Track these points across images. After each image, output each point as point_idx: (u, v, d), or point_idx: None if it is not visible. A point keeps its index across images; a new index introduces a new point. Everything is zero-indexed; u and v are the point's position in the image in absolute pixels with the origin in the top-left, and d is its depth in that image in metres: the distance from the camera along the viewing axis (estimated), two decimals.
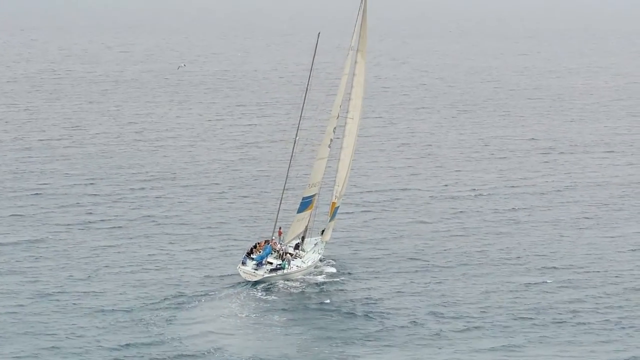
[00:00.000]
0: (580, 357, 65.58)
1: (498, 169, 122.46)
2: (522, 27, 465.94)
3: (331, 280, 78.41)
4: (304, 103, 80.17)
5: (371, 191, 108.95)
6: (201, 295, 73.37)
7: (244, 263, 77.54)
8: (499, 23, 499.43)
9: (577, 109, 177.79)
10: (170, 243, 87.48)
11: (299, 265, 78.93)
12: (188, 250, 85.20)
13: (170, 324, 67.80)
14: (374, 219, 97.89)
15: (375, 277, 79.48)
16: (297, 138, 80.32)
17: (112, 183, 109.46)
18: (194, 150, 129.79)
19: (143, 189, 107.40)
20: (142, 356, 63.05)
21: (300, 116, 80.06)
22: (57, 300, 71.88)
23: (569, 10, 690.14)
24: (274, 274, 76.92)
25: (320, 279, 78.60)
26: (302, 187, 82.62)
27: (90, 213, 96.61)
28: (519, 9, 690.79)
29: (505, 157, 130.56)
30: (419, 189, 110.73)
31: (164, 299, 72.30)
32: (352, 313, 71.35)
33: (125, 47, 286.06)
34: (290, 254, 79.60)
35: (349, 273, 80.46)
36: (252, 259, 77.85)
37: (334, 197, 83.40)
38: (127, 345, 64.14)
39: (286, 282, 77.06)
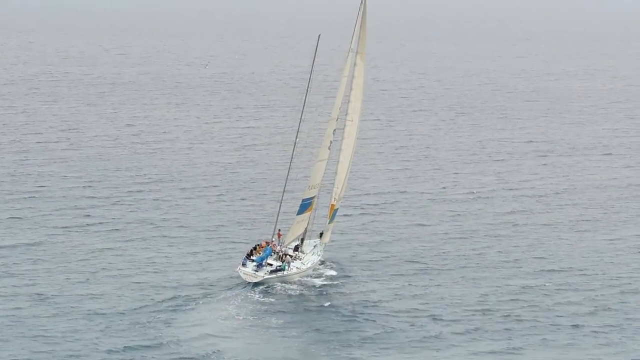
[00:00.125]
0: None
1: (496, 172, 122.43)
2: (520, 29, 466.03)
3: (329, 282, 78.31)
4: (304, 105, 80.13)
5: (369, 194, 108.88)
6: (199, 297, 73.25)
7: (244, 264, 77.52)
8: (497, 25, 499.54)
9: (575, 112, 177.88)
10: (168, 246, 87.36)
11: (298, 267, 78.91)
12: (186, 253, 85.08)
13: (169, 326, 67.67)
14: (372, 221, 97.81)
15: (373, 280, 79.38)
16: (297, 140, 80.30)
17: (109, 185, 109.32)
18: (191, 153, 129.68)
19: (141, 191, 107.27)
20: (141, 359, 62.93)
21: (301, 118, 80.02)
22: (55, 302, 71.73)
23: (566, 13, 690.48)
24: (274, 276, 76.89)
25: (318, 281, 78.51)
26: (301, 190, 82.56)
27: (88, 216, 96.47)
28: (517, 12, 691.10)
29: (503, 160, 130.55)
30: (417, 192, 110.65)
31: (162, 302, 72.17)
32: (351, 315, 71.24)
33: (123, 49, 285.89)
34: (290, 255, 79.56)
35: (348, 275, 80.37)
36: (252, 260, 77.81)
37: (332, 200, 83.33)
38: (125, 348, 64.01)
39: (284, 284, 76.97)
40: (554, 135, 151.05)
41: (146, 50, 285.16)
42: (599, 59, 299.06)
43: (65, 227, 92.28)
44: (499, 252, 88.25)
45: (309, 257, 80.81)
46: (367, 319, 70.67)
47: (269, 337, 67.14)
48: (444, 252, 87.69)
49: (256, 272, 76.72)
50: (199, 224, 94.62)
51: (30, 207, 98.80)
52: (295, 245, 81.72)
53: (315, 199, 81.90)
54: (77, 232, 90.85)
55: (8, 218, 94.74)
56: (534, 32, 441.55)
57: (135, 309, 70.72)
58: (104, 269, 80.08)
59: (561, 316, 72.13)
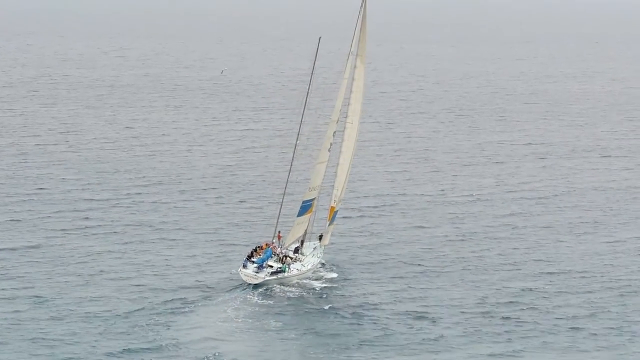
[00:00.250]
0: None
1: (495, 174, 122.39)
2: (519, 31, 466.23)
3: (329, 284, 78.24)
4: (304, 107, 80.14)
5: (368, 196, 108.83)
6: (198, 300, 73.16)
7: (244, 266, 77.53)
8: (496, 28, 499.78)
9: (574, 114, 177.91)
10: (167, 248, 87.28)
11: (299, 268, 78.95)
12: (185, 256, 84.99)
13: (168, 329, 67.58)
14: (372, 224, 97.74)
15: (372, 282, 79.30)
16: (297, 142, 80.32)
17: (108, 188, 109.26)
18: (190, 155, 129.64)
19: (140, 194, 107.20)
20: None
21: (301, 121, 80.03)
22: (54, 305, 71.63)
23: (565, 15, 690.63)
24: (275, 277, 76.92)
25: (317, 283, 78.43)
26: (301, 192, 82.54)
27: (87, 218, 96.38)
28: (516, 14, 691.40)
29: (502, 162, 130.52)
30: (416, 194, 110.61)
31: (161, 304, 72.07)
32: (350, 318, 71.16)
33: (121, 52, 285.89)
34: (290, 257, 79.58)
35: (347, 278, 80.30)
36: (253, 262, 77.81)
37: (332, 202, 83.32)
38: (124, 350, 63.91)
39: (284, 286, 76.90)
40: (553, 137, 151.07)
41: (145, 53, 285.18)
42: (598, 62, 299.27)
43: (64, 229, 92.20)
44: (498, 254, 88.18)
45: (309, 259, 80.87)
46: (366, 322, 70.59)
47: (268, 340, 67.07)
48: (443, 255, 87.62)
49: (257, 274, 76.75)
50: (198, 227, 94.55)
51: (29, 210, 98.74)
52: (295, 247, 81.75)
53: (315, 201, 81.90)
54: (76, 234, 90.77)
55: (7, 220, 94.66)
56: (533, 35, 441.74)
57: (134, 311, 70.62)
58: (102, 271, 79.99)
59: (561, 318, 72.06)
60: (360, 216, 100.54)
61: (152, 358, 63.22)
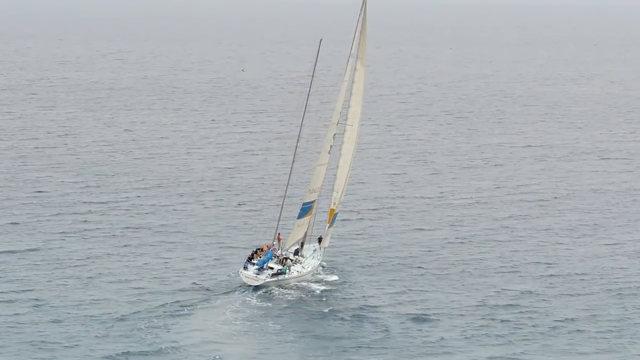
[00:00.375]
0: None
1: (494, 177, 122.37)
2: (518, 34, 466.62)
3: (328, 287, 78.16)
4: (304, 110, 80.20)
5: (367, 199, 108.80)
6: (197, 303, 73.10)
7: (245, 268, 77.58)
8: (494, 30, 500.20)
9: (573, 116, 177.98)
10: (167, 251, 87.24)
11: (299, 270, 79.00)
12: (184, 258, 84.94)
13: (167, 332, 67.51)
14: (371, 226, 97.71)
15: (371, 285, 79.23)
16: (298, 144, 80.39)
17: (107, 191, 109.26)
18: (189, 158, 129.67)
19: (139, 197, 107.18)
20: None
21: (302, 123, 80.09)
22: (53, 308, 71.55)
23: (564, 18, 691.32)
24: (275, 279, 76.98)
25: (316, 286, 78.37)
26: (301, 194, 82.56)
27: (86, 221, 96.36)
28: (514, 17, 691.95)
29: (501, 165, 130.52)
30: (415, 197, 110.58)
31: (160, 307, 71.99)
32: (349, 320, 71.08)
33: (120, 54, 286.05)
34: (290, 259, 79.65)
35: (346, 280, 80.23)
36: (254, 264, 77.86)
37: (332, 204, 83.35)
38: (124, 353, 63.82)
39: (283, 289, 76.86)
40: (552, 139, 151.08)
41: (143, 56, 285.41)
42: (597, 64, 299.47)
43: (63, 232, 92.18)
44: (498, 257, 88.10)
45: (309, 261, 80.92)
46: (365, 324, 70.51)
47: (267, 342, 67.00)
48: (442, 257, 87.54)
49: (257, 276, 76.83)
50: (197, 229, 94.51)
51: (27, 213, 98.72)
52: (295, 249, 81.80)
53: (315, 203, 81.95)
54: (75, 237, 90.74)
55: (6, 223, 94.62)
56: (531, 37, 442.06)
57: (133, 314, 70.55)
58: (101, 274, 79.94)
59: (560, 321, 71.97)
60: (360, 219, 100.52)
61: None
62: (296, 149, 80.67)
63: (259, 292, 75.59)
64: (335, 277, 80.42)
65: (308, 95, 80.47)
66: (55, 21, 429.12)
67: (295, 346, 66.57)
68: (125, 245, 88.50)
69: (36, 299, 73.29)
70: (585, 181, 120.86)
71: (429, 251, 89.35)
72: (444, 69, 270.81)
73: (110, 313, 70.70)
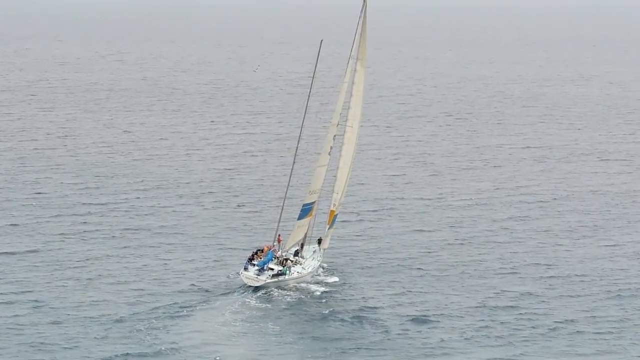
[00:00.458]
0: None
1: (493, 178, 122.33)
2: (517, 35, 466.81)
3: (327, 288, 78.13)
4: (305, 110, 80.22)
5: (367, 200, 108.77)
6: (197, 304, 73.07)
7: (246, 269, 77.66)
8: (493, 32, 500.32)
9: (572, 117, 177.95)
10: (166, 252, 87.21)
11: (299, 271, 79.08)
12: (183, 260, 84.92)
13: (166, 333, 67.48)
14: (370, 227, 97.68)
15: (371, 286, 79.20)
16: (298, 145, 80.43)
17: (107, 192, 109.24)
18: (188, 160, 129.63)
19: (138, 198, 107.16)
20: None
21: (302, 124, 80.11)
22: (52, 310, 71.53)
23: (563, 19, 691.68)
24: (276, 280, 77.05)
25: (316, 287, 78.35)
26: (300, 196, 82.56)
27: (85, 222, 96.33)
28: (513, 18, 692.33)
29: (500, 166, 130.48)
30: (415, 198, 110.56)
31: (160, 309, 71.97)
32: (348, 322, 71.04)
33: (119, 55, 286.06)
34: (291, 260, 79.73)
35: (346, 282, 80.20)
36: (254, 264, 77.91)
37: (332, 205, 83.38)
38: (123, 355, 63.80)
39: (282, 290, 76.85)
40: (551, 141, 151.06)
41: (143, 57, 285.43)
42: (596, 65, 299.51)
43: (63, 234, 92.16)
44: (497, 258, 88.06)
45: (310, 262, 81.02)
46: (364, 326, 70.46)
47: (266, 343, 66.98)
48: (442, 259, 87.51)
49: (258, 276, 76.90)
50: (196, 231, 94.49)
51: (27, 214, 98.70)
52: (295, 251, 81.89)
53: (315, 205, 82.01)
54: (74, 239, 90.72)
55: (5, 225, 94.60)
56: (530, 38, 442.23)
57: (132, 315, 70.52)
58: (101, 275, 79.92)
59: (560, 322, 71.93)
60: (359, 220, 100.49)
61: None
62: (297, 150, 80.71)
63: (258, 294, 75.59)
64: (334, 279, 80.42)
65: (309, 96, 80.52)
66: (55, 22, 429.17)
67: (295, 347, 66.55)
68: (125, 247, 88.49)
69: (36, 301, 73.28)
70: (585, 182, 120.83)
71: (429, 252, 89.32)
72: (443, 70, 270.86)
73: (110, 314, 70.69)
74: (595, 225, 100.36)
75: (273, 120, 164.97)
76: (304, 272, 79.45)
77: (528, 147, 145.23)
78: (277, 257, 79.53)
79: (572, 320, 72.38)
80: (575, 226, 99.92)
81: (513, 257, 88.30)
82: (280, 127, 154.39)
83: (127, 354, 63.94)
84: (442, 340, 68.00)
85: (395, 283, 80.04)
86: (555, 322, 72.03)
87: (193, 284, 77.86)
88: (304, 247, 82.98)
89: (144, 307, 72.24)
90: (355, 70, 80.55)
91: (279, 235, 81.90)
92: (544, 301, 76.56)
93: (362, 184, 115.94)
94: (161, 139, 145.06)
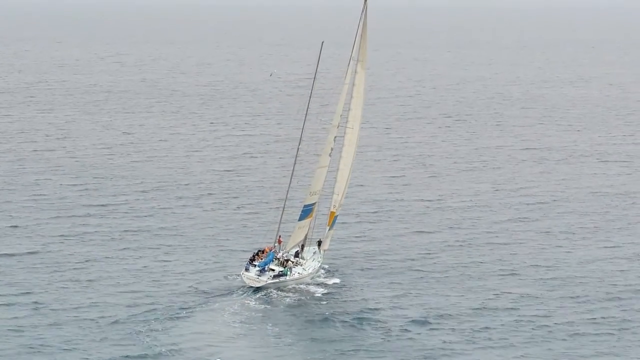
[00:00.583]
0: None
1: (492, 179, 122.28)
2: (516, 36, 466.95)
3: (327, 290, 78.09)
4: (306, 112, 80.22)
5: (366, 202, 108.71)
6: (196, 306, 73.01)
7: (247, 269, 77.67)
8: (492, 33, 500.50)
9: (571, 119, 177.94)
10: (165, 254, 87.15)
11: (300, 272, 79.11)
12: (183, 261, 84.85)
13: (165, 335, 67.41)
14: (370, 229, 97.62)
15: (371, 288, 79.14)
16: (299, 146, 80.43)
17: (106, 194, 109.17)
18: (187, 161, 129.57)
19: (137, 199, 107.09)
20: None
21: (303, 125, 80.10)
22: (51, 311, 71.44)
23: (562, 20, 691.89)
24: (277, 280, 77.07)
25: (315, 288, 78.31)
26: (300, 197, 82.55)
27: (85, 224, 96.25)
28: (512, 20, 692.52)
29: (499, 167, 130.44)
30: (414, 200, 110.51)
31: (159, 310, 71.89)
32: (348, 323, 70.97)
33: (118, 57, 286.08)
34: (292, 261, 79.77)
35: (345, 283, 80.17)
36: (255, 265, 77.92)
37: (332, 207, 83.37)
38: (122, 357, 63.72)
39: (282, 291, 76.83)
40: (550, 142, 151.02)
41: (141, 58, 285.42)
42: (595, 66, 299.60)
43: (62, 235, 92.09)
44: (497, 259, 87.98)
45: (310, 263, 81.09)
46: (364, 327, 70.40)
47: (265, 345, 66.93)
48: (441, 260, 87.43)
49: (259, 277, 76.95)
50: (195, 232, 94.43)
51: (26, 216, 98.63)
52: (296, 252, 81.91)
53: (316, 206, 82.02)
54: (74, 240, 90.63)
55: (5, 227, 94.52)
56: (529, 40, 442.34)
57: (132, 317, 70.44)
58: (100, 277, 79.84)
59: (560, 324, 71.87)
60: (359, 221, 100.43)
61: None
62: (298, 151, 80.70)
63: (258, 295, 75.54)
64: (334, 280, 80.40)
65: (309, 97, 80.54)
66: (54, 24, 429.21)
67: (294, 349, 66.50)
68: (124, 248, 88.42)
69: (35, 302, 73.19)
70: (584, 184, 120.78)
71: (428, 254, 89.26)
72: (442, 71, 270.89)
73: (109, 316, 70.60)
74: (594, 227, 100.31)
75: (272, 122, 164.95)
76: (305, 273, 79.52)
77: (527, 148, 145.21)
78: (278, 258, 79.60)
79: (572, 322, 72.34)
80: (574, 228, 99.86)
81: (513, 259, 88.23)
82: (280, 128, 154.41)
83: (127, 355, 63.87)
84: (442, 342, 67.94)
85: (395, 284, 79.99)
86: (555, 323, 71.98)
87: (192, 286, 77.81)
88: (304, 248, 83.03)
89: (143, 309, 72.17)
90: (355, 72, 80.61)
91: (280, 236, 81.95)
92: (543, 303, 76.48)
93: (362, 185, 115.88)
94: (160, 140, 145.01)
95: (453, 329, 70.34)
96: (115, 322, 69.49)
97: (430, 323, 71.41)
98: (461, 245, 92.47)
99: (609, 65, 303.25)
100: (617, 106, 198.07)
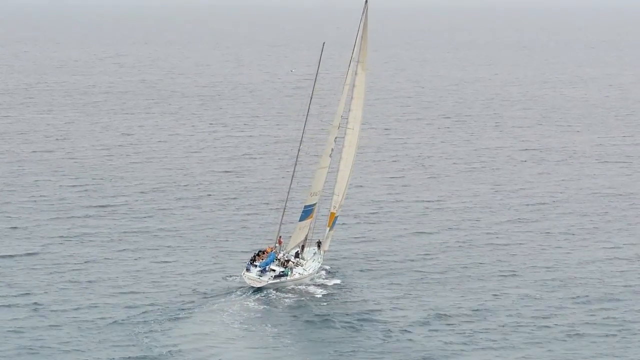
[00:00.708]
0: None
1: (492, 180, 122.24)
2: (515, 37, 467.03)
3: (326, 291, 78.05)
4: (307, 112, 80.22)
5: (366, 203, 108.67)
6: (195, 306, 72.97)
7: (248, 270, 77.67)
8: (492, 34, 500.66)
9: (571, 119, 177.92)
10: (164, 255, 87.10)
11: (300, 272, 79.14)
12: (182, 262, 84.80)
13: (165, 336, 67.37)
14: (370, 230, 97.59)
15: (370, 289, 79.10)
16: (300, 147, 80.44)
17: (105, 195, 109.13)
18: (187, 162, 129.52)
19: (137, 200, 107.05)
20: None
21: (304, 126, 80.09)
22: (51, 312, 71.40)
23: (561, 21, 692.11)
24: (278, 281, 77.09)
25: (315, 289, 78.29)
26: (301, 197, 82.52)
27: (84, 225, 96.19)
28: (512, 20, 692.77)
29: (499, 168, 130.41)
30: (414, 201, 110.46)
31: (158, 311, 71.84)
32: (347, 324, 70.95)
33: (117, 58, 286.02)
34: (292, 261, 79.80)
35: (345, 284, 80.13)
36: (256, 265, 77.93)
37: (332, 207, 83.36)
38: (122, 358, 63.69)
39: (281, 292, 76.80)
40: (550, 143, 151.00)
41: (140, 59, 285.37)
42: (595, 67, 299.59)
43: (61, 236, 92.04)
44: (496, 260, 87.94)
45: (310, 264, 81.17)
46: (363, 328, 70.36)
47: (265, 346, 66.89)
48: (441, 261, 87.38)
49: (260, 277, 76.99)
50: (195, 233, 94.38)
51: (26, 217, 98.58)
52: (296, 252, 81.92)
53: (316, 206, 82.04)
54: (73, 241, 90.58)
55: (4, 228, 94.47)
56: (529, 40, 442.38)
57: (131, 318, 70.39)
58: (100, 278, 79.79)
59: (559, 325, 71.83)
60: (359, 223, 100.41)
61: None
62: (298, 152, 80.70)
63: (257, 296, 75.51)
64: (334, 281, 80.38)
65: (311, 98, 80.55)
66: (53, 25, 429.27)
67: (294, 350, 66.46)
68: (124, 249, 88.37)
69: (35, 303, 73.14)
70: (584, 185, 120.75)
71: (428, 255, 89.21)
72: (441, 72, 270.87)
73: (109, 317, 70.54)
74: (594, 228, 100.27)
75: (272, 123, 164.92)
76: (305, 273, 79.59)
77: (527, 149, 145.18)
78: (279, 259, 79.66)
79: (571, 323, 72.29)
80: (574, 228, 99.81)
81: (512, 260, 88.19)
82: (279, 129, 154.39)
83: (126, 357, 63.84)
84: (442, 343, 67.90)
85: (394, 285, 79.95)
86: (555, 324, 71.95)
87: (192, 287, 77.75)
88: (305, 248, 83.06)
89: (142, 310, 72.12)
90: (356, 73, 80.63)
91: (280, 237, 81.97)
92: (543, 303, 76.43)
93: (361, 186, 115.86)
94: (159, 141, 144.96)
95: (453, 330, 70.29)
96: (115, 323, 69.46)
97: (430, 324, 71.37)
98: (461, 246, 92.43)
99: (609, 66, 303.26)
100: (617, 107, 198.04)
